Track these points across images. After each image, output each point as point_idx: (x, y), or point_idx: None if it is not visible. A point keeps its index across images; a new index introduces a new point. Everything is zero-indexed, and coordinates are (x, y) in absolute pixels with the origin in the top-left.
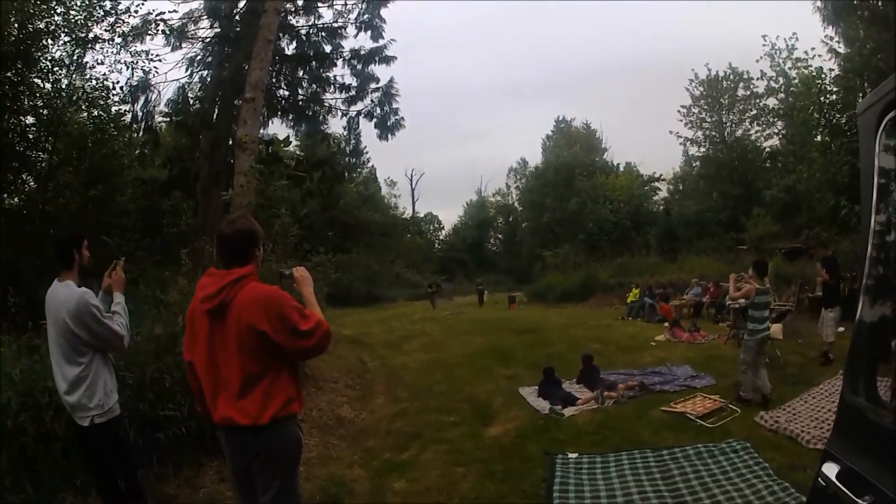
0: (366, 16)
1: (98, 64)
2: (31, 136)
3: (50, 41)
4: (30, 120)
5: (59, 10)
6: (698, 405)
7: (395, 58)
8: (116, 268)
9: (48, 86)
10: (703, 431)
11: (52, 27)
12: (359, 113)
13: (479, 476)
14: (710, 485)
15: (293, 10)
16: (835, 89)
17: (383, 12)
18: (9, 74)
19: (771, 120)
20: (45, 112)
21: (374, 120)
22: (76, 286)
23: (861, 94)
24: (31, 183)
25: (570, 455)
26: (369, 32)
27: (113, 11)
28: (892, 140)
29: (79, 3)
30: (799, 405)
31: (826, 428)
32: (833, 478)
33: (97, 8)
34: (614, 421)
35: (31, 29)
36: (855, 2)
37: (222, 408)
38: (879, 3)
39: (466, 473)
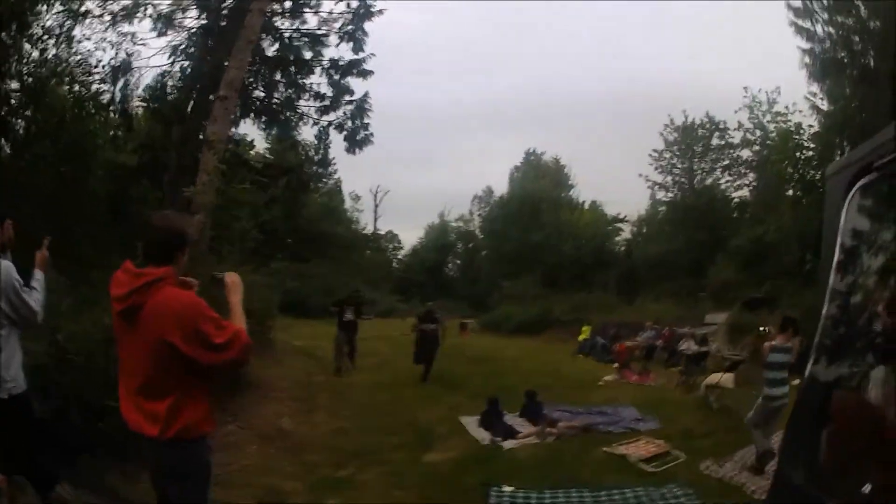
0: (350, 27)
1: (85, 39)
2: (13, 102)
3: (45, 8)
4: (14, 85)
5: None
6: (641, 448)
7: (373, 72)
8: (42, 246)
9: (36, 54)
10: (645, 475)
11: None
12: (330, 123)
13: (416, 501)
14: None
15: (280, 11)
16: (811, 145)
17: (367, 26)
18: (2, 35)
19: (743, 171)
20: (30, 80)
21: (345, 132)
22: None
23: (840, 152)
24: (7, 149)
25: (506, 489)
26: (351, 43)
27: None
28: (863, 203)
29: None
30: (747, 456)
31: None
32: None
33: None
34: (555, 458)
35: None
36: (844, 60)
37: (130, 411)
38: (871, 62)
39: (404, 498)
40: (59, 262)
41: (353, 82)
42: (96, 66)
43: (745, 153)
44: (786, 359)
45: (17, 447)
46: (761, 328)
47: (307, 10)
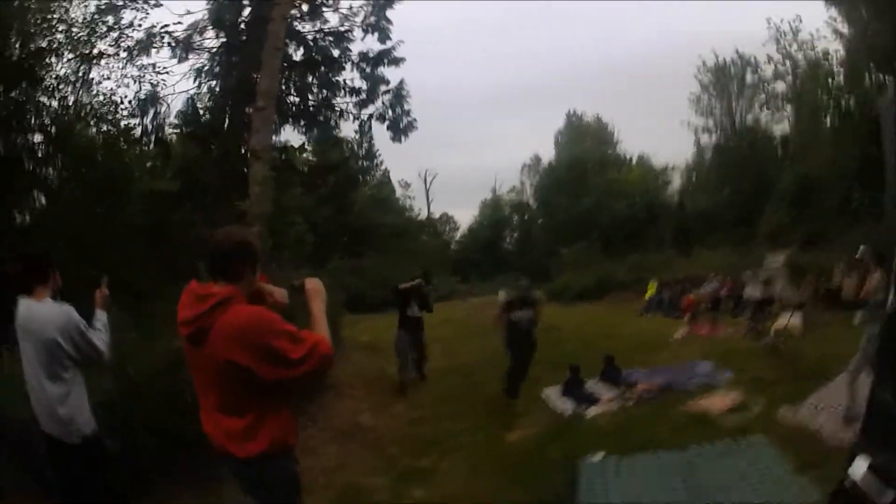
0: (372, 18)
1: (104, 79)
2: (39, 154)
3: (54, 59)
4: (38, 138)
5: (60, 28)
6: (718, 402)
7: (405, 59)
8: (101, 286)
9: (54, 103)
10: (724, 428)
11: (55, 45)
12: (370, 116)
13: (501, 482)
14: (734, 483)
15: (299, 16)
16: (841, 70)
17: (389, 14)
18: (12, 95)
19: (780, 104)
20: (52, 129)
21: (387, 122)
22: (53, 303)
23: (868, 75)
24: (42, 200)
25: (597, 456)
26: (376, 34)
27: (116, 27)
28: None
29: (81, 20)
30: (817, 400)
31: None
32: (862, 475)
33: (100, 24)
34: (635, 421)
35: (32, 48)
36: None
37: (212, 429)
38: None
39: (489, 479)
40: (115, 298)
41: (387, 71)
42: (122, 103)
43: (780, 86)
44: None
45: (90, 491)
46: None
47: (326, 9)
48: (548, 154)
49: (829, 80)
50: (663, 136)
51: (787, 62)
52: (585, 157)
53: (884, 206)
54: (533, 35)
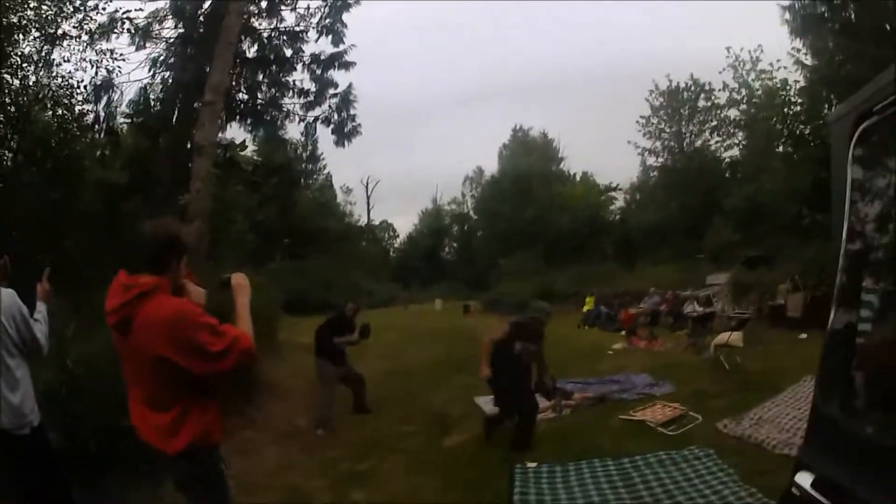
0: (328, 20)
1: (64, 61)
2: None
3: (21, 36)
4: None
5: (31, 5)
6: (658, 413)
7: (355, 63)
8: (42, 279)
9: (16, 82)
10: (663, 439)
11: (24, 22)
12: (316, 118)
13: (440, 486)
14: (674, 492)
15: (256, 12)
16: (799, 100)
17: (345, 17)
18: None
19: (732, 131)
20: (12, 109)
21: (332, 126)
22: None
23: (827, 105)
24: None
25: (529, 465)
26: (330, 37)
27: (82, 7)
28: (865, 149)
29: None
30: (762, 412)
31: (791, 433)
32: (808, 487)
33: (67, 4)
34: (573, 429)
35: (4, 23)
36: (825, 14)
37: (140, 423)
38: (851, 15)
39: (427, 483)
40: (58, 286)
41: (336, 75)
42: (77, 87)
43: (733, 113)
44: None
45: (39, 481)
46: None
47: (283, 7)
48: (491, 167)
49: (786, 109)
50: (608, 154)
51: (744, 90)
52: (530, 170)
53: (832, 226)
54: (482, 46)
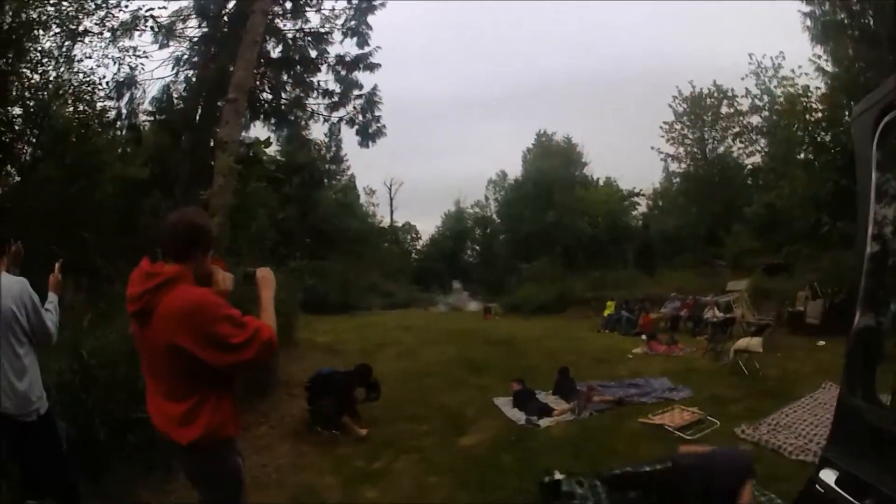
0: (353, 22)
1: (86, 58)
2: (17, 128)
3: (41, 31)
4: (17, 111)
5: (52, 1)
6: (676, 417)
7: (380, 65)
8: (55, 270)
9: (36, 77)
10: (681, 443)
11: (45, 17)
12: (341, 119)
13: (452, 486)
14: None
15: (281, 13)
16: (820, 107)
17: (370, 19)
18: None
19: (754, 137)
20: (32, 104)
21: (356, 127)
22: (8, 275)
23: (847, 112)
24: (16, 176)
25: (558, 475)
26: (355, 39)
27: (104, 4)
28: (888, 148)
29: None
30: (780, 418)
31: (808, 439)
32: (832, 483)
33: (88, 1)
34: (590, 432)
35: (24, 18)
36: (845, 21)
37: (155, 413)
38: (870, 22)
39: (439, 483)
40: (76, 278)
41: (361, 76)
42: (99, 84)
43: (755, 119)
44: None
45: (45, 469)
46: None
47: (308, 8)
48: (514, 170)
49: (807, 115)
50: (631, 160)
51: (766, 97)
52: (553, 174)
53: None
54: (508, 49)
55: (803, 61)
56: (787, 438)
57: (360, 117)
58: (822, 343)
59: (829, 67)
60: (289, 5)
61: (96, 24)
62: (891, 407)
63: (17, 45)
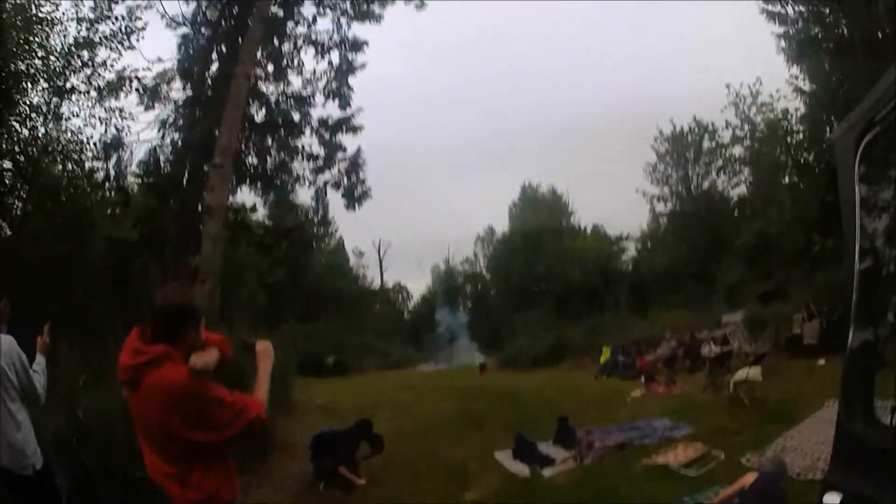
0: (334, 83)
1: (74, 116)
2: (7, 182)
3: (29, 85)
4: (6, 165)
5: (40, 55)
6: (680, 454)
7: (363, 127)
8: (43, 333)
9: (25, 132)
10: (686, 481)
11: (32, 70)
12: (326, 183)
13: None
14: None
15: (263, 76)
16: (801, 128)
17: (351, 81)
18: None
19: (738, 168)
20: (22, 159)
21: (342, 189)
22: None
23: (828, 128)
24: (7, 230)
25: None
26: (337, 101)
27: (90, 63)
28: (869, 164)
29: (58, 50)
30: (786, 441)
31: (814, 458)
32: None
33: (75, 57)
34: (595, 476)
35: (12, 69)
36: (819, 35)
37: (155, 472)
38: (844, 31)
39: None
40: (68, 338)
41: (344, 138)
42: (87, 143)
43: (737, 150)
44: None
45: None
46: None
47: (290, 71)
48: (501, 225)
49: (788, 139)
50: (618, 204)
51: (746, 126)
52: (540, 226)
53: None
54: (490, 102)
55: (781, 84)
56: (795, 460)
57: (346, 180)
58: (821, 362)
59: (806, 87)
60: (271, 68)
61: (83, 82)
62: (890, 426)
63: (5, 97)
